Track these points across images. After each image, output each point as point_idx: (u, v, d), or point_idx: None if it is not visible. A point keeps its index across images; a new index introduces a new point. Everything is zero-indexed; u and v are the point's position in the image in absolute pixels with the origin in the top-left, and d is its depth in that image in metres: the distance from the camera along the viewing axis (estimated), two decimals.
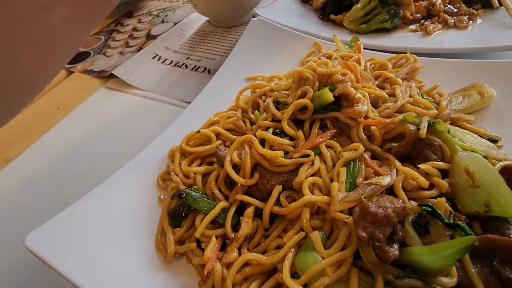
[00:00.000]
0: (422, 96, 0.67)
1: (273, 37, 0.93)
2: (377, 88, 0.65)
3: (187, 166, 0.61)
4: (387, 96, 0.65)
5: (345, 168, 0.51)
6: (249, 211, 0.51)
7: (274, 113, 0.60)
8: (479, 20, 0.92)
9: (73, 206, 0.55)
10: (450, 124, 0.62)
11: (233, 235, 0.50)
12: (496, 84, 0.69)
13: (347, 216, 0.44)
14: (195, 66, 1.07)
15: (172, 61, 1.11)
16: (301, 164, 0.52)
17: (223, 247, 0.51)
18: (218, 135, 0.65)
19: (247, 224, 0.49)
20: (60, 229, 0.52)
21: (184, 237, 0.54)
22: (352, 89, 0.57)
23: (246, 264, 0.47)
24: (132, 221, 0.57)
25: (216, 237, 0.51)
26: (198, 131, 0.65)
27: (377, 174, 0.50)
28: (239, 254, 0.49)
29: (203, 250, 0.50)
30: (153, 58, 1.14)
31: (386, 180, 0.45)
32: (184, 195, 0.54)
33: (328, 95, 0.56)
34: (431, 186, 0.49)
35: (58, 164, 0.82)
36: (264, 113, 0.64)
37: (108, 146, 0.85)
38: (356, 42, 0.83)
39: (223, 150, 0.58)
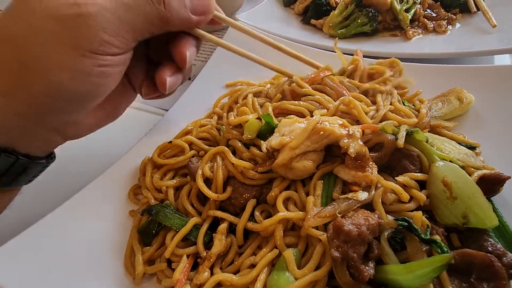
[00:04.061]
0: (403, 103, 0.66)
1: (252, 42, 0.92)
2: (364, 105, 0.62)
3: (159, 180, 0.58)
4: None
5: (322, 181, 0.49)
6: (222, 227, 0.49)
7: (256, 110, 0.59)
8: (457, 25, 0.93)
9: (36, 225, 0.52)
10: (430, 131, 0.62)
11: (205, 254, 0.47)
12: (475, 89, 0.69)
13: (322, 232, 0.42)
14: None
15: None
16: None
17: (196, 266, 0.49)
18: (191, 145, 0.62)
19: (220, 242, 0.47)
20: (20, 252, 0.48)
21: (154, 256, 0.51)
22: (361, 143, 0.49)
23: (219, 284, 0.45)
24: (100, 239, 0.54)
25: (188, 256, 0.49)
26: (171, 141, 0.62)
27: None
28: (211, 273, 0.46)
29: (174, 270, 0.48)
30: None
31: (363, 196, 0.43)
32: (154, 212, 0.52)
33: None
34: (410, 198, 0.47)
35: None
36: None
37: (82, 156, 0.81)
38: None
39: (195, 163, 0.55)
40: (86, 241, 0.53)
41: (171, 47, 0.49)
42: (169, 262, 0.50)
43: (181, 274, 0.45)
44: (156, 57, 0.55)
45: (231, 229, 0.50)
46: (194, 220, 0.50)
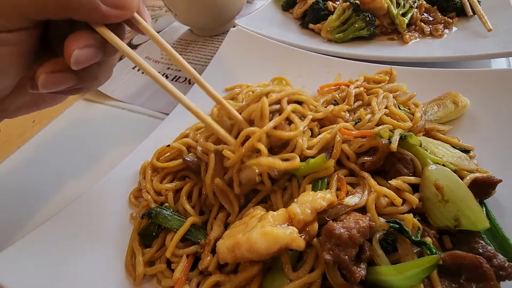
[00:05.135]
0: (398, 106, 0.67)
1: (251, 46, 0.93)
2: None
3: (159, 183, 0.60)
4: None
5: (311, 185, 0.50)
6: (222, 215, 0.51)
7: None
8: (454, 28, 0.94)
9: (40, 228, 0.53)
10: (425, 134, 0.63)
11: (204, 241, 0.49)
12: (470, 93, 0.69)
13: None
14: (176, 76, 1.06)
15: None
16: None
17: (194, 267, 0.50)
18: (189, 148, 0.64)
19: (218, 227, 0.50)
20: (24, 254, 0.50)
21: (154, 258, 0.53)
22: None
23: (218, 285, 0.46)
24: (102, 241, 0.56)
25: (188, 256, 0.50)
26: (169, 145, 0.64)
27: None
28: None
29: (173, 270, 0.49)
30: (133, 68, 1.12)
31: (353, 200, 0.44)
32: (154, 214, 0.53)
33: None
34: (403, 201, 0.48)
35: (33, 180, 0.79)
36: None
37: (85, 161, 0.83)
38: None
39: (191, 158, 0.57)
40: (88, 243, 0.54)
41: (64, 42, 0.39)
42: (168, 263, 0.51)
43: (181, 273, 0.46)
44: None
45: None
46: (191, 219, 0.52)
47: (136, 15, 0.42)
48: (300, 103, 0.60)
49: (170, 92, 0.46)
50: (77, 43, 0.38)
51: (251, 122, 0.53)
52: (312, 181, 0.50)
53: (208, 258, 0.48)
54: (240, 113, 0.54)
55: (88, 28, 0.39)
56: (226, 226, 0.52)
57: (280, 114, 0.53)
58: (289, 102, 0.56)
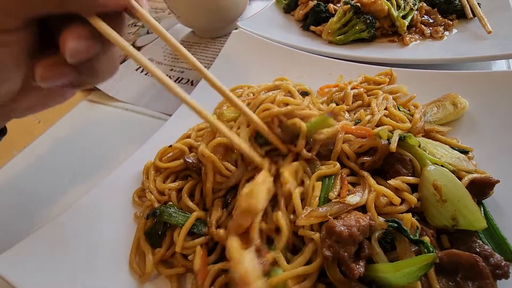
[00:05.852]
0: (398, 108, 0.68)
1: (253, 48, 0.94)
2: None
3: (162, 183, 0.61)
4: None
5: (320, 182, 0.51)
6: (218, 201, 0.56)
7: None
8: (454, 31, 0.95)
9: (46, 227, 0.54)
10: (424, 135, 0.63)
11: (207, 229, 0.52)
12: (469, 95, 0.70)
13: (314, 232, 0.44)
14: (178, 77, 1.08)
15: None
16: None
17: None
18: (191, 148, 0.65)
19: (216, 211, 0.52)
20: (31, 252, 0.51)
21: (166, 256, 0.54)
22: None
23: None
24: (107, 240, 0.57)
25: (201, 246, 0.52)
26: (171, 146, 0.65)
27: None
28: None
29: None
30: (137, 70, 1.14)
31: (354, 199, 0.45)
32: (158, 213, 0.54)
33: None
34: (401, 200, 0.49)
35: (38, 179, 0.81)
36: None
37: (89, 161, 0.84)
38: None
39: (192, 158, 0.58)
40: (93, 243, 0.55)
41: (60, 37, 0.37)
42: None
43: (199, 263, 0.48)
44: None
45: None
46: (196, 213, 0.53)
47: (132, 1, 0.39)
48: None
49: (168, 87, 0.44)
50: (73, 35, 0.37)
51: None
52: (320, 178, 0.51)
53: (220, 231, 0.50)
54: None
55: (85, 22, 0.37)
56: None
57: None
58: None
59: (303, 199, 0.51)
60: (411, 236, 0.42)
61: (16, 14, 0.35)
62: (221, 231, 0.50)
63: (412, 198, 0.48)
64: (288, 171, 0.50)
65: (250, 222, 0.44)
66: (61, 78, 0.40)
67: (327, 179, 0.52)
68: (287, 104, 0.58)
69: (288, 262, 0.44)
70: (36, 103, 0.47)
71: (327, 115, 0.53)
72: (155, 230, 0.55)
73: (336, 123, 0.54)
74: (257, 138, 0.56)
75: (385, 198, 0.49)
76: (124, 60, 1.19)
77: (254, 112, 0.55)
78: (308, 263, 0.43)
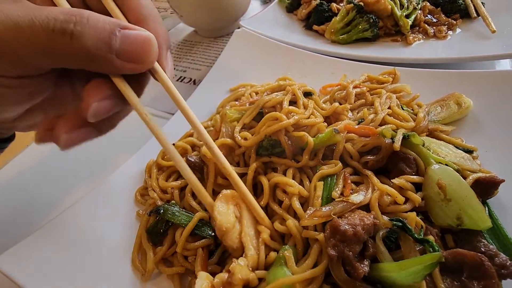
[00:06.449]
0: (402, 107, 0.68)
1: (256, 48, 0.94)
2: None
3: (164, 181, 0.61)
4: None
5: (322, 182, 0.51)
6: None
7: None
8: (458, 30, 0.94)
9: (48, 225, 0.55)
10: (428, 135, 0.63)
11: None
12: (473, 94, 0.70)
13: (318, 232, 0.44)
14: (181, 77, 1.08)
15: None
16: None
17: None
18: (193, 147, 0.65)
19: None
20: (35, 249, 0.51)
21: (167, 255, 0.54)
22: None
23: None
24: (109, 238, 0.57)
25: (202, 248, 0.51)
26: (173, 144, 0.65)
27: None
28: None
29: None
30: None
31: (358, 198, 0.45)
32: (162, 211, 0.54)
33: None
34: (405, 199, 0.49)
35: (40, 178, 0.81)
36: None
37: (91, 159, 0.84)
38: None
39: (194, 157, 0.58)
40: (96, 240, 0.56)
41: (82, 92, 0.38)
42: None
43: (201, 266, 0.48)
44: None
45: None
46: (199, 214, 0.53)
47: (156, 64, 0.40)
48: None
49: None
50: (95, 96, 0.37)
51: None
52: (322, 178, 0.51)
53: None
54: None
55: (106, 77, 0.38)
56: None
57: None
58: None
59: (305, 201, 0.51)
60: (416, 235, 0.42)
61: (26, 66, 0.35)
62: None
63: (416, 197, 0.48)
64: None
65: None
66: (83, 140, 0.41)
67: (329, 178, 0.52)
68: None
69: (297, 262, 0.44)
70: (38, 122, 0.46)
71: (334, 131, 0.53)
72: (157, 228, 0.55)
73: (342, 138, 0.55)
74: (259, 150, 0.56)
75: (389, 197, 0.49)
76: None
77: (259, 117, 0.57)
78: (315, 265, 0.43)
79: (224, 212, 0.45)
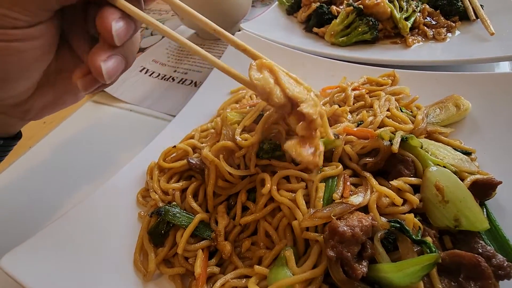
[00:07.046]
0: (400, 109, 0.68)
1: (256, 50, 0.94)
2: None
3: (166, 183, 0.62)
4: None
5: (324, 183, 0.52)
6: (221, 206, 0.55)
7: None
8: (457, 32, 0.95)
9: (51, 226, 0.55)
10: (427, 137, 0.64)
11: (213, 234, 0.52)
12: (472, 96, 0.70)
13: (318, 234, 0.45)
14: (182, 79, 1.09)
15: (159, 74, 1.12)
16: None
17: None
18: (194, 149, 0.65)
19: (222, 218, 0.52)
20: (38, 250, 0.52)
21: (168, 256, 0.54)
22: None
23: None
24: (111, 239, 0.57)
25: (202, 250, 0.52)
26: (174, 146, 0.66)
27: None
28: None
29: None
30: (141, 71, 1.15)
31: (357, 200, 0.46)
32: (163, 212, 0.55)
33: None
34: (403, 201, 0.50)
35: (44, 180, 0.82)
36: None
37: (94, 161, 0.85)
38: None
39: (196, 159, 0.59)
40: (98, 241, 0.56)
41: (96, 22, 0.40)
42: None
43: (200, 267, 0.48)
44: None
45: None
46: (200, 216, 0.54)
47: None
48: None
49: (199, 53, 0.50)
50: (111, 17, 0.39)
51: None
52: (324, 179, 0.52)
53: (228, 246, 0.50)
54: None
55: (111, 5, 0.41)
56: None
57: None
58: None
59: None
60: (414, 237, 0.42)
61: (36, 8, 0.36)
62: (228, 246, 0.51)
63: (414, 199, 0.48)
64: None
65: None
66: (119, 69, 0.43)
67: (330, 180, 0.52)
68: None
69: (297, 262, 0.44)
70: (51, 102, 0.48)
71: (335, 137, 0.54)
72: (158, 229, 0.56)
73: (342, 141, 0.55)
74: (259, 153, 0.56)
75: (387, 199, 0.49)
76: None
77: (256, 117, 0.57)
78: (314, 265, 0.44)
79: (262, 77, 0.46)
